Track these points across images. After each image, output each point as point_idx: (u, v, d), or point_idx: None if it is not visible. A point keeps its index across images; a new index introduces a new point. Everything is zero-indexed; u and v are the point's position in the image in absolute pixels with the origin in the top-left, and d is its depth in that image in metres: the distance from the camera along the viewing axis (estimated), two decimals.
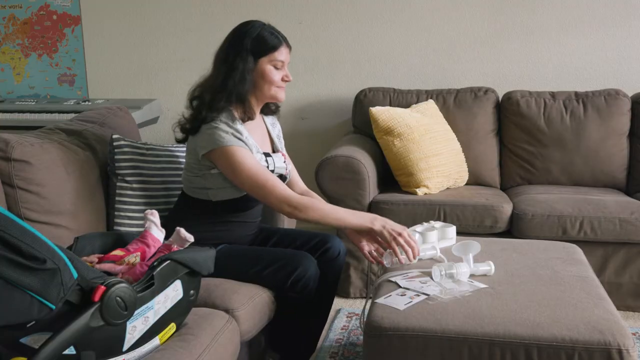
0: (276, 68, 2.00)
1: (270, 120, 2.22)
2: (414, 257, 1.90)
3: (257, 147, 2.04)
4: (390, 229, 1.90)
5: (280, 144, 2.23)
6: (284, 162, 2.14)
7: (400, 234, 1.89)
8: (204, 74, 2.06)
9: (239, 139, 1.95)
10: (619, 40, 3.33)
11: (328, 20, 3.58)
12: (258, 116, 2.11)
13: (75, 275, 1.25)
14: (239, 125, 1.97)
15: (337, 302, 2.84)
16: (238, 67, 1.95)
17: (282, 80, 2.03)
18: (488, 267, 1.87)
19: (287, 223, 2.43)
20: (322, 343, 2.47)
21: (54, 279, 1.20)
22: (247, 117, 2.01)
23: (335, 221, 1.97)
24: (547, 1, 3.36)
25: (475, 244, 1.89)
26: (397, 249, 1.88)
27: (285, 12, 3.60)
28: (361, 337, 2.50)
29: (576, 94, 3.18)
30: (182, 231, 1.61)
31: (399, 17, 3.50)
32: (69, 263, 1.24)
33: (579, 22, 3.35)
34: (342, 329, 2.60)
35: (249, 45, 1.96)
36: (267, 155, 2.08)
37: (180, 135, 2.05)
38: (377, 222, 1.93)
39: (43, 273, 1.19)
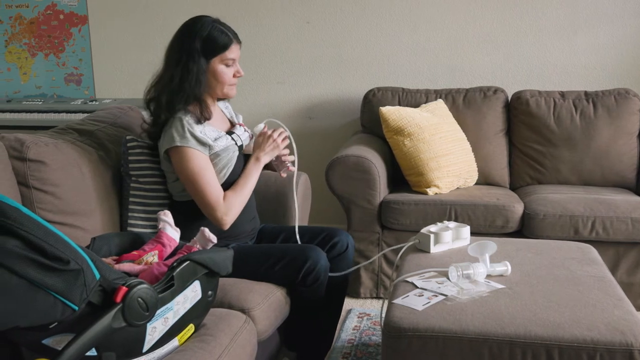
0: (227, 66, 2.02)
1: (222, 104, 2.23)
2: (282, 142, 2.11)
3: (218, 131, 2.05)
4: (270, 153, 2.08)
5: (238, 118, 2.26)
6: (245, 130, 2.18)
7: (274, 149, 2.08)
8: (156, 72, 2.06)
9: (195, 138, 1.95)
10: (628, 39, 3.32)
11: (336, 19, 3.57)
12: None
13: (98, 276, 1.25)
14: (194, 124, 1.98)
15: (348, 302, 2.84)
16: (192, 69, 1.96)
17: (234, 76, 2.06)
18: (505, 267, 1.86)
19: (298, 221, 2.42)
20: (334, 343, 2.46)
21: (77, 279, 1.19)
22: (204, 117, 2.01)
23: (249, 190, 2.05)
24: (556, 0, 3.35)
25: (491, 244, 1.88)
26: (286, 158, 2.16)
27: (293, 11, 3.59)
28: (373, 338, 2.50)
29: (586, 93, 3.18)
30: (207, 231, 1.60)
31: (407, 16, 3.50)
32: (91, 264, 1.23)
33: (588, 21, 3.34)
34: (353, 329, 2.59)
35: (199, 47, 1.97)
36: (230, 133, 2.10)
37: (151, 143, 2.09)
38: (262, 159, 2.07)
39: (66, 274, 1.18)
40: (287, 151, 2.16)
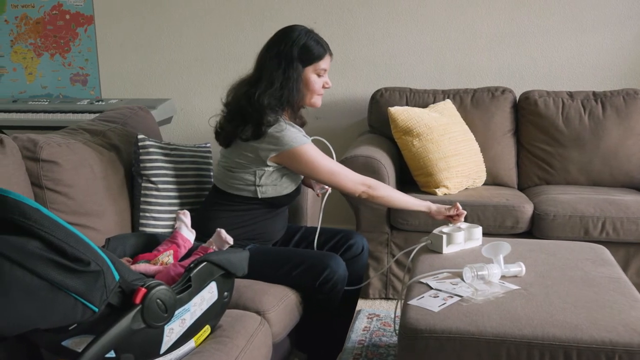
0: (319, 76, 2.05)
1: None
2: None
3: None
4: (445, 214, 2.17)
5: None
6: None
7: (451, 216, 2.16)
8: (247, 73, 2.06)
9: (304, 135, 2.03)
10: (636, 40, 3.32)
11: (342, 19, 3.56)
12: None
13: (117, 277, 1.24)
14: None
15: (357, 303, 2.83)
16: (292, 76, 1.99)
17: (323, 87, 2.09)
18: (519, 268, 1.86)
19: (310, 221, 2.42)
20: (345, 344, 2.45)
21: (98, 281, 1.19)
22: (302, 123, 2.13)
23: (398, 202, 2.18)
24: (564, 0, 3.34)
25: (505, 245, 1.87)
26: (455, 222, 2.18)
27: (300, 12, 3.59)
28: (383, 339, 2.49)
29: (594, 93, 3.17)
30: (223, 233, 1.60)
31: (414, 16, 3.49)
32: (111, 265, 1.23)
33: (596, 21, 3.34)
34: (363, 330, 2.58)
35: (296, 54, 1.99)
36: None
37: (229, 139, 2.05)
38: (432, 208, 2.19)
39: (87, 275, 1.17)
40: None
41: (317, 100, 2.09)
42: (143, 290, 1.28)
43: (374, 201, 2.15)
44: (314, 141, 2.23)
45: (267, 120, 1.95)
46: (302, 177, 2.21)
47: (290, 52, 1.98)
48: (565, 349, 1.50)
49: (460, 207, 2.17)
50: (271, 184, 2.03)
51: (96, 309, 1.20)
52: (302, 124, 2.14)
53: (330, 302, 1.96)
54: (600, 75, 3.37)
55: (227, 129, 2.03)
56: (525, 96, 3.22)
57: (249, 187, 2.02)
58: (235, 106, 2.02)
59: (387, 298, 2.90)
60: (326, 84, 2.08)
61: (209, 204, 2.08)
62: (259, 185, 2.01)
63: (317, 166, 2.01)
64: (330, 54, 2.08)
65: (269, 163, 1.99)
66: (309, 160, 2.00)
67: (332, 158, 2.16)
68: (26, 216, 1.13)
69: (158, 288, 1.30)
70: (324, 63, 2.04)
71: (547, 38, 3.39)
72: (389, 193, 2.16)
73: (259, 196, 2.02)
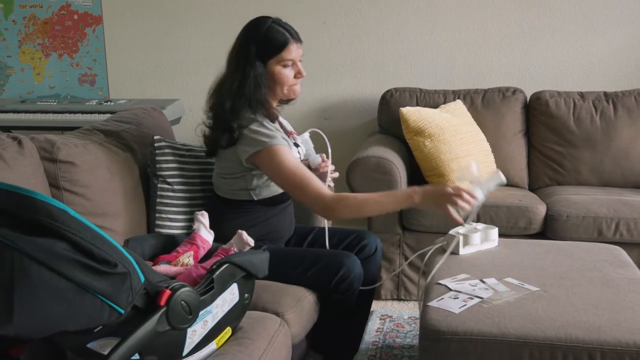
0: (285, 67, 1.96)
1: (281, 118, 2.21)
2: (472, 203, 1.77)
3: (288, 140, 2.03)
4: (436, 197, 1.79)
5: (289, 126, 2.22)
6: (301, 141, 2.15)
7: (450, 194, 1.76)
8: (218, 75, 2.03)
9: (282, 136, 1.95)
10: None
11: (352, 19, 3.55)
12: None
13: (143, 279, 1.23)
14: (270, 123, 1.97)
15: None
16: (249, 74, 1.91)
17: (295, 77, 1.99)
18: (498, 179, 1.83)
19: (323, 221, 2.41)
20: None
21: (124, 283, 1.18)
22: (273, 117, 2.01)
23: (372, 213, 1.89)
24: (574, 0, 3.34)
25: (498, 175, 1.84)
26: (451, 211, 1.77)
27: (310, 12, 3.58)
28: (397, 340, 2.48)
29: (605, 94, 3.16)
30: (244, 234, 1.59)
31: (424, 16, 3.48)
32: (136, 266, 1.22)
33: (607, 21, 3.33)
34: (376, 331, 2.58)
35: (254, 51, 1.92)
36: (296, 145, 2.08)
37: (211, 148, 2.01)
38: (417, 197, 1.80)
39: (114, 277, 1.16)
40: (333, 167, 2.13)
41: (292, 91, 1.99)
42: (168, 292, 1.27)
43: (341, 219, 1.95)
44: (311, 133, 2.20)
45: (237, 123, 1.90)
46: None
47: (248, 49, 1.91)
48: (589, 351, 1.49)
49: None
50: (263, 185, 1.98)
51: (122, 311, 1.19)
52: (273, 119, 2.03)
53: (347, 302, 1.95)
54: (612, 75, 3.37)
55: (209, 138, 2.00)
56: (536, 96, 3.22)
57: (242, 191, 2.00)
58: (212, 112, 2.00)
59: (399, 299, 2.90)
60: (299, 73, 1.97)
61: (212, 209, 2.06)
62: (251, 189, 1.98)
63: (279, 170, 1.87)
64: (297, 41, 1.95)
65: (245, 164, 1.93)
66: (274, 162, 1.87)
67: (327, 149, 2.09)
68: (53, 217, 1.12)
69: (182, 290, 1.29)
70: (288, 53, 1.93)
71: (558, 38, 3.38)
72: (355, 209, 1.87)
73: (255, 199, 2.00)
